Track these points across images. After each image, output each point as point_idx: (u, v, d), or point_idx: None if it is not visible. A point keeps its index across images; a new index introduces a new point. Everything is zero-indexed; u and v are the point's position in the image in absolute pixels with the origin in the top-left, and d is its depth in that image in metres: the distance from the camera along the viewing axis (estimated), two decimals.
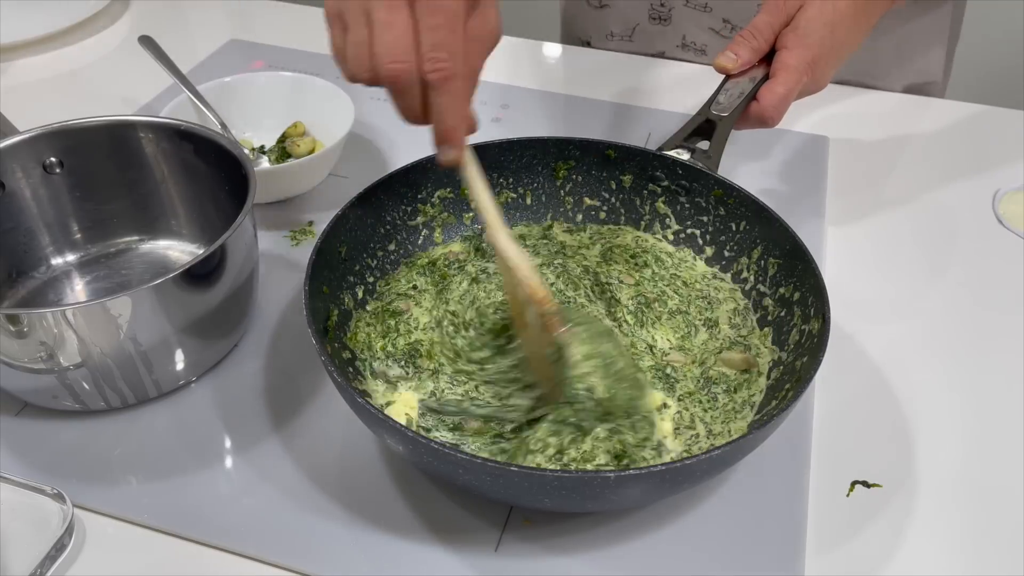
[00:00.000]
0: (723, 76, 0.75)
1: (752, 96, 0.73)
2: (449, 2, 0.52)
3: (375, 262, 0.71)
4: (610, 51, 1.12)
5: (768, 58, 0.75)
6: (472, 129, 0.58)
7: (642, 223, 0.76)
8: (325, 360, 0.55)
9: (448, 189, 0.75)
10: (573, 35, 1.18)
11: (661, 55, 1.10)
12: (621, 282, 0.71)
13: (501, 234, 0.59)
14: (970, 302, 0.77)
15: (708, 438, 0.61)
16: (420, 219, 0.74)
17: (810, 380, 0.55)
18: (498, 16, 0.56)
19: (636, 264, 0.73)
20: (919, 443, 0.65)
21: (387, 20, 0.52)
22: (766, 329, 0.67)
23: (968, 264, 0.80)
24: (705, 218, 0.73)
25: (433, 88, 0.53)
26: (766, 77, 0.74)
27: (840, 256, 0.81)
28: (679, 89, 1.03)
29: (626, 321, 0.68)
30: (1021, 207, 0.86)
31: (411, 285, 0.71)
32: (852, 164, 0.92)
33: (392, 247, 0.72)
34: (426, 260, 0.73)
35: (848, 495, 0.62)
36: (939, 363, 0.71)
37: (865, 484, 0.62)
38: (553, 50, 1.13)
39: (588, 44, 1.16)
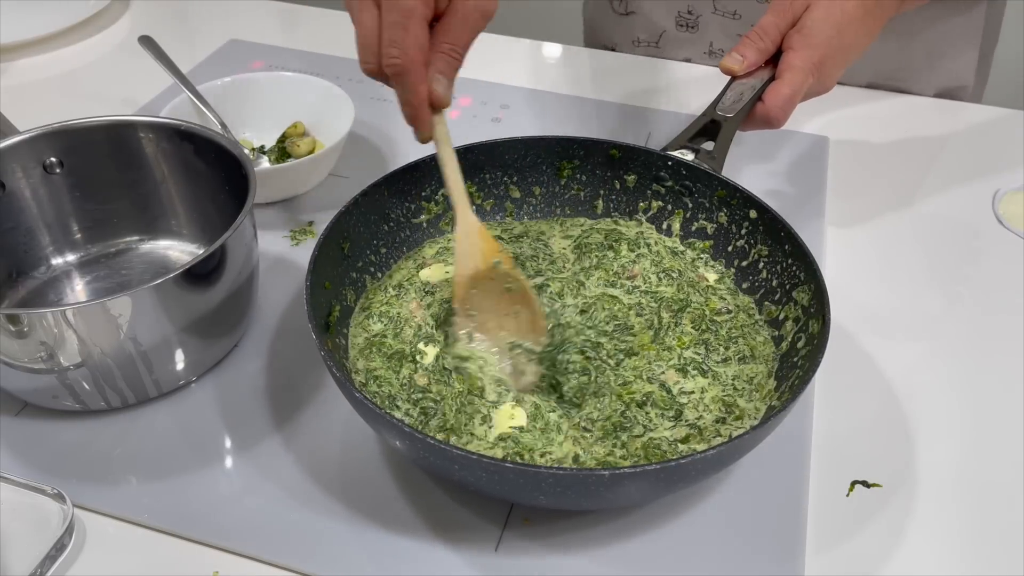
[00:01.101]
0: (729, 77, 0.75)
1: (758, 97, 0.73)
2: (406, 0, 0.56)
3: (378, 259, 0.71)
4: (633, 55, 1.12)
5: (775, 59, 0.75)
6: (442, 105, 0.61)
7: (644, 223, 0.76)
8: (325, 355, 0.55)
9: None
10: (598, 41, 1.18)
11: (688, 61, 1.10)
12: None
13: (465, 208, 0.65)
14: (970, 302, 0.77)
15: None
16: (424, 216, 0.74)
17: (808, 381, 0.55)
18: None
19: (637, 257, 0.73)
20: (919, 443, 0.65)
21: (359, 19, 0.58)
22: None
23: (968, 264, 0.80)
24: (709, 218, 0.73)
25: (392, 80, 0.59)
26: (772, 78, 0.73)
27: (841, 256, 0.81)
28: (680, 90, 1.03)
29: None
30: (1021, 207, 0.86)
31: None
32: (852, 164, 0.92)
33: (395, 244, 0.72)
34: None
35: (848, 495, 0.62)
36: (939, 363, 0.71)
37: (865, 484, 0.62)
38: (553, 50, 1.13)
39: (613, 50, 1.15)
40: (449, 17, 0.58)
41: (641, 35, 1.11)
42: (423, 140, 0.62)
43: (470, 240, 0.65)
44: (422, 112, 0.60)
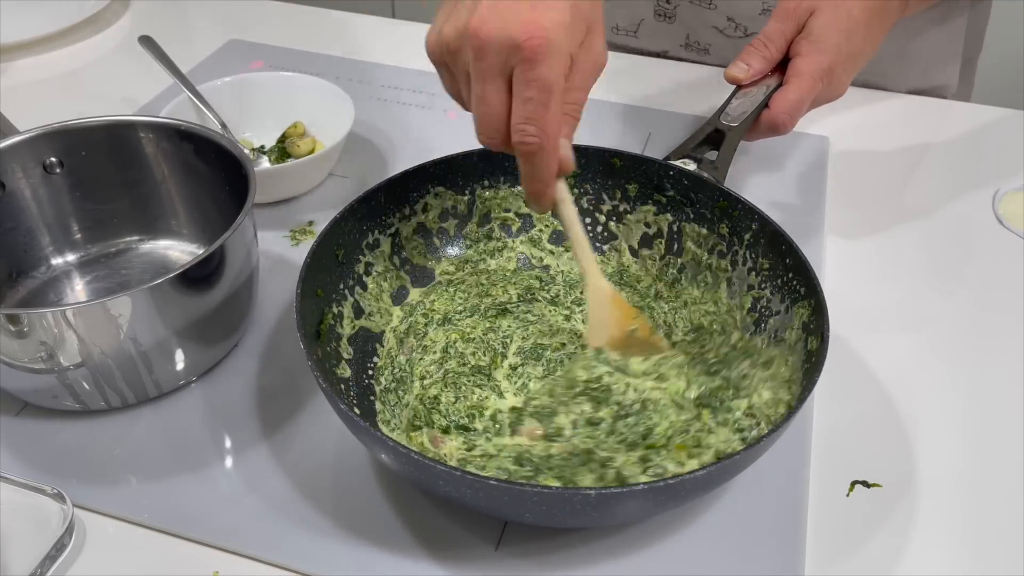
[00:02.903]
0: (734, 86, 0.75)
1: (764, 105, 0.72)
2: (546, 73, 0.51)
3: (371, 268, 0.70)
4: (614, 46, 1.12)
5: (781, 66, 0.74)
6: (566, 170, 0.58)
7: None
8: (312, 364, 0.55)
9: (451, 193, 0.74)
10: None
11: (664, 54, 1.10)
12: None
13: (595, 273, 0.61)
14: (970, 302, 0.77)
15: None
16: (421, 221, 0.74)
17: (805, 400, 0.54)
18: (603, 45, 0.56)
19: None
20: (919, 443, 0.65)
21: (482, 95, 0.53)
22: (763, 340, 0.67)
23: (968, 264, 0.80)
24: (710, 229, 0.72)
25: (521, 157, 0.55)
26: (779, 86, 0.73)
27: (841, 256, 0.81)
28: (680, 90, 1.03)
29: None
30: (1021, 207, 0.86)
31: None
32: (852, 166, 0.92)
33: (391, 251, 0.72)
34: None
35: (848, 495, 0.62)
36: (939, 363, 0.71)
37: (865, 484, 0.62)
38: None
39: None
40: (572, 77, 0.54)
41: (620, 22, 1.11)
42: (541, 212, 0.59)
43: (605, 309, 0.62)
44: (552, 186, 0.57)
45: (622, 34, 1.12)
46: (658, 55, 1.10)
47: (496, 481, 0.51)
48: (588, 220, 0.76)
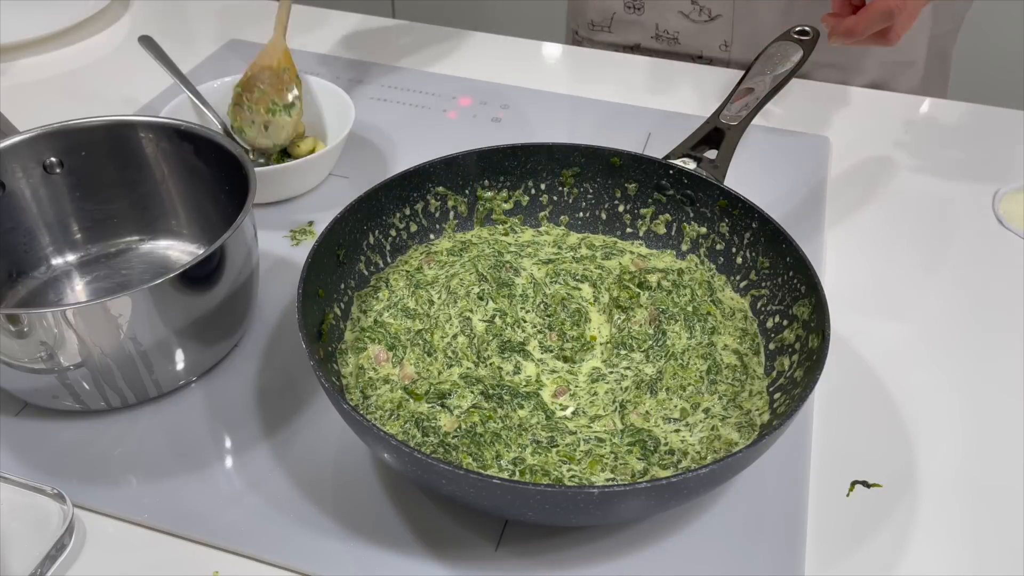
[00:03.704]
0: (733, 85, 0.75)
1: (762, 105, 0.73)
2: None
3: (372, 267, 0.71)
4: (590, 42, 1.14)
5: (783, 71, 0.75)
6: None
7: (646, 235, 0.75)
8: (314, 364, 0.55)
9: (451, 193, 0.74)
10: (570, 29, 1.21)
11: (637, 47, 1.12)
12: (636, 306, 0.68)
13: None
14: (970, 302, 0.77)
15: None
16: (421, 221, 0.74)
17: (805, 399, 0.54)
18: None
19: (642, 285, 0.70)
20: (919, 443, 0.65)
21: None
22: (761, 339, 0.67)
23: (968, 264, 0.80)
24: (710, 228, 0.72)
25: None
26: (777, 88, 0.74)
27: (840, 256, 0.81)
28: (679, 90, 1.03)
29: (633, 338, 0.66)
30: (1021, 207, 0.86)
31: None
32: (853, 164, 0.92)
33: (391, 250, 0.72)
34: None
35: (848, 495, 0.62)
36: (939, 363, 0.71)
37: (865, 484, 0.62)
38: (553, 50, 1.13)
39: (576, 33, 1.18)
40: None
41: (594, 18, 1.14)
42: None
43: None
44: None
45: (596, 29, 1.14)
46: (631, 49, 1.12)
47: (499, 480, 0.51)
48: (588, 216, 0.77)
